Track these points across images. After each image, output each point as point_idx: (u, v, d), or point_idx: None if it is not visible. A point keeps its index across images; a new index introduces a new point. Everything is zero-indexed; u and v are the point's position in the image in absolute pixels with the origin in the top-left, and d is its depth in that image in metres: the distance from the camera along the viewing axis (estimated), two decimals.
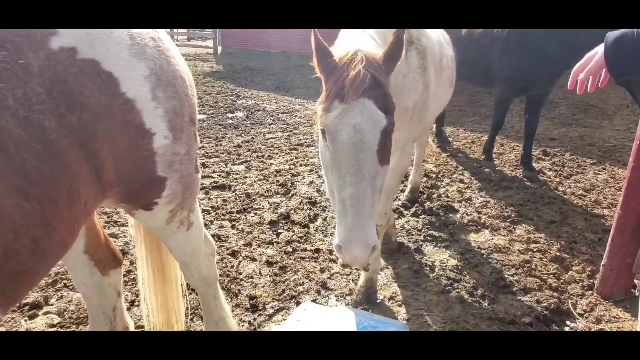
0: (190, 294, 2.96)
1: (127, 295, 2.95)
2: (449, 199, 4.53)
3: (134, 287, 2.98)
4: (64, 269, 3.09)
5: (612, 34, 1.50)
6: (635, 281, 3.07)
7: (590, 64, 1.55)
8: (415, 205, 4.38)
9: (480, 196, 4.66)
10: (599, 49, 1.55)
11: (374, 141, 1.59)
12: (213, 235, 3.66)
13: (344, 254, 1.54)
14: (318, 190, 4.67)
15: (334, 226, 3.87)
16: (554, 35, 4.54)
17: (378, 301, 2.95)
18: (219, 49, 17.58)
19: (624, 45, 1.45)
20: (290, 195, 4.59)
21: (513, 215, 4.21)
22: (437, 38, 2.91)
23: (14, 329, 2.61)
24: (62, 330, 2.63)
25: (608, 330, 2.72)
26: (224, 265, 3.32)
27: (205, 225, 3.87)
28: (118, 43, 1.41)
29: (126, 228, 3.75)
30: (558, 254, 3.55)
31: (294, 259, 3.40)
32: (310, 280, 3.13)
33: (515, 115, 7.91)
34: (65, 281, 3.06)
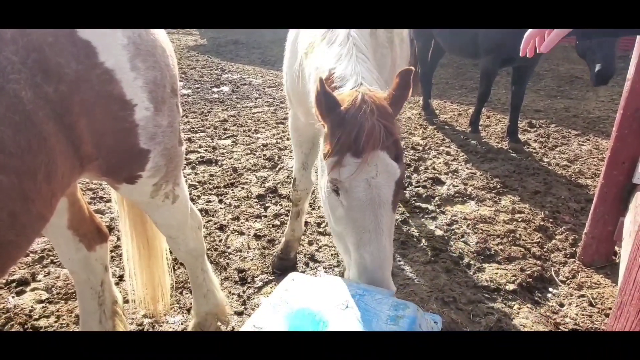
0: (179, 267, 2.97)
1: (115, 270, 2.94)
2: (435, 171, 4.56)
3: (123, 262, 2.98)
4: (50, 245, 3.07)
5: None
6: (616, 248, 3.15)
7: (551, 35, 1.53)
8: None
9: (467, 168, 4.69)
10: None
11: (390, 193, 1.52)
12: (200, 210, 3.65)
13: None
14: None
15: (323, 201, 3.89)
16: None
17: None
18: None
19: None
20: (277, 169, 4.58)
21: (498, 186, 4.25)
22: None
23: (1, 306, 2.60)
24: (51, 306, 2.62)
25: (589, 295, 2.79)
26: (212, 239, 3.32)
27: (193, 200, 3.85)
28: None
29: (112, 204, 3.72)
30: (542, 223, 3.61)
31: (282, 232, 3.41)
32: (298, 253, 3.15)
33: (501, 87, 7.92)
34: (52, 257, 3.04)
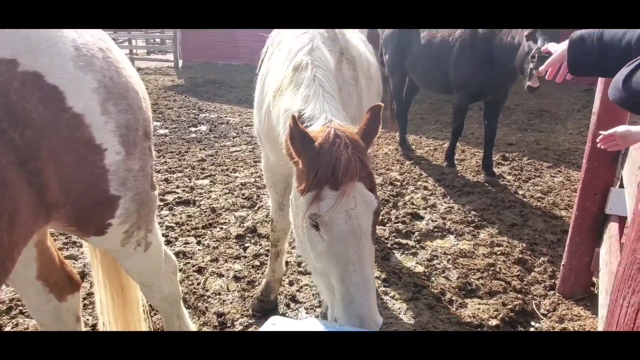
0: (155, 314, 2.86)
1: (88, 319, 2.82)
2: (414, 206, 4.58)
3: (96, 310, 2.87)
4: (18, 295, 2.94)
5: (575, 34, 1.59)
6: (594, 279, 3.18)
7: (552, 57, 1.65)
8: (382, 213, 4.41)
9: (445, 202, 4.74)
10: (564, 45, 1.65)
11: (369, 224, 1.54)
12: (178, 252, 3.57)
13: None
14: None
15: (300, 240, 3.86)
16: (501, 44, 4.71)
17: None
18: (180, 62, 17.36)
19: (584, 48, 1.53)
20: (256, 208, 4.54)
21: (476, 220, 4.29)
22: (363, 48, 2.82)
23: None
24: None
25: (571, 328, 2.79)
26: (190, 282, 3.24)
27: (169, 242, 3.77)
28: (62, 54, 1.34)
29: (85, 249, 3.61)
30: (520, 256, 3.64)
31: (262, 273, 3.35)
32: (279, 294, 3.09)
33: (474, 122, 8.13)
34: (20, 308, 2.91)
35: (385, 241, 3.89)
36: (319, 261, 1.57)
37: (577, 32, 1.59)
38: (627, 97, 1.19)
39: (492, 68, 4.89)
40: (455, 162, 5.94)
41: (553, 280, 3.32)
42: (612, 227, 2.80)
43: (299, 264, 3.50)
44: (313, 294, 3.13)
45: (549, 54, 1.80)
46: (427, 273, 3.42)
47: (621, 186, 2.93)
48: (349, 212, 1.49)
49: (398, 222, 4.22)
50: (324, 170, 1.47)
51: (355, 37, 2.78)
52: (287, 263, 3.49)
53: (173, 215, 4.33)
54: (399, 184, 5.24)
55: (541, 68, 1.77)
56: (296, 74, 1.91)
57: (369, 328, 1.47)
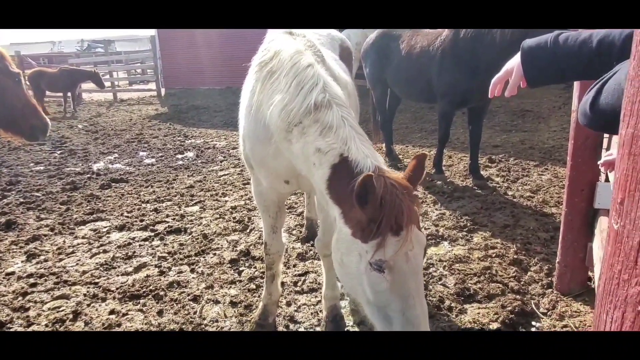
0: None
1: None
2: None
3: None
4: None
5: (527, 44, 1.59)
6: (590, 274, 3.19)
7: (513, 78, 1.66)
8: None
9: (436, 209, 4.75)
10: (515, 60, 1.65)
11: (422, 259, 1.74)
12: (172, 282, 3.52)
13: None
14: None
15: (297, 257, 3.83)
16: (483, 50, 4.77)
17: (347, 328, 2.91)
18: (162, 90, 17.38)
19: (538, 58, 1.54)
20: (248, 230, 4.51)
21: (469, 224, 4.30)
22: (338, 67, 2.75)
23: None
24: None
25: (571, 325, 2.79)
26: (186, 312, 3.18)
27: (163, 272, 3.72)
28: None
29: None
30: (515, 256, 3.65)
31: (259, 296, 3.31)
32: (277, 316, 3.05)
33: (458, 127, 8.21)
34: None
35: None
36: (378, 298, 1.68)
37: (527, 42, 1.60)
38: (597, 119, 1.21)
39: (476, 75, 4.89)
40: (443, 168, 5.97)
41: (550, 278, 3.32)
42: (602, 221, 2.83)
43: (295, 284, 3.48)
44: (311, 313, 3.10)
45: None
46: (425, 282, 3.40)
47: (607, 180, 2.96)
48: (408, 253, 1.64)
49: None
50: (388, 219, 1.61)
51: (330, 58, 2.76)
52: (283, 284, 3.46)
53: (165, 245, 4.28)
54: None
55: (507, 94, 1.79)
56: (319, 113, 1.93)
57: None
